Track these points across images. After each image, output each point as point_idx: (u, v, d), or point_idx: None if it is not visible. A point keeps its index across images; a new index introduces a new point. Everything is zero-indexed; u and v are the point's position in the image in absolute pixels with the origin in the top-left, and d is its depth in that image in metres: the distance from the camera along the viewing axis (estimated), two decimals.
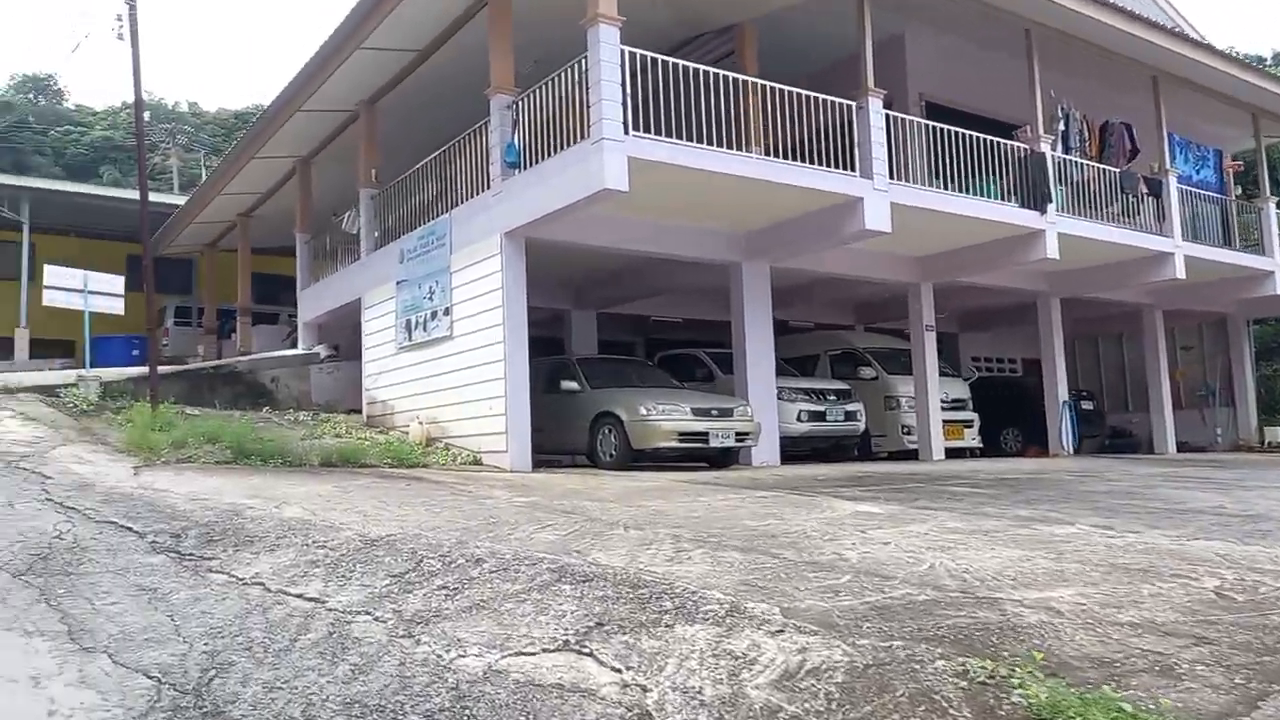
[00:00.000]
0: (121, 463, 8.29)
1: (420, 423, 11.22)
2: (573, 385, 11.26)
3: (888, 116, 10.65)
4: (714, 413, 10.52)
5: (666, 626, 3.68)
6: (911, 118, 11.48)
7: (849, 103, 10.45)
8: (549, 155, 9.34)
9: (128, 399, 11.66)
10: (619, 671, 3.30)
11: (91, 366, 12.88)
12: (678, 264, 12.83)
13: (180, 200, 21.23)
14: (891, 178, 10.60)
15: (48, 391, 11.46)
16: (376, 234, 13.27)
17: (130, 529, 5.54)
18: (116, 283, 12.39)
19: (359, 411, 14.33)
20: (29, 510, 5.87)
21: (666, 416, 10.20)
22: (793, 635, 3.47)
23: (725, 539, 5.30)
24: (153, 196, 23.85)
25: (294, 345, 18.75)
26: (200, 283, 23.64)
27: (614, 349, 16.47)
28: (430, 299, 11.30)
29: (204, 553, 5.08)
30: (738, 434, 10.59)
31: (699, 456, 11.10)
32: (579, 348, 15.07)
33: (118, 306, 12.40)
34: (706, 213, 11.02)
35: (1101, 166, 13.50)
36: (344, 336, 15.51)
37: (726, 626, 3.63)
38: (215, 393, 13.57)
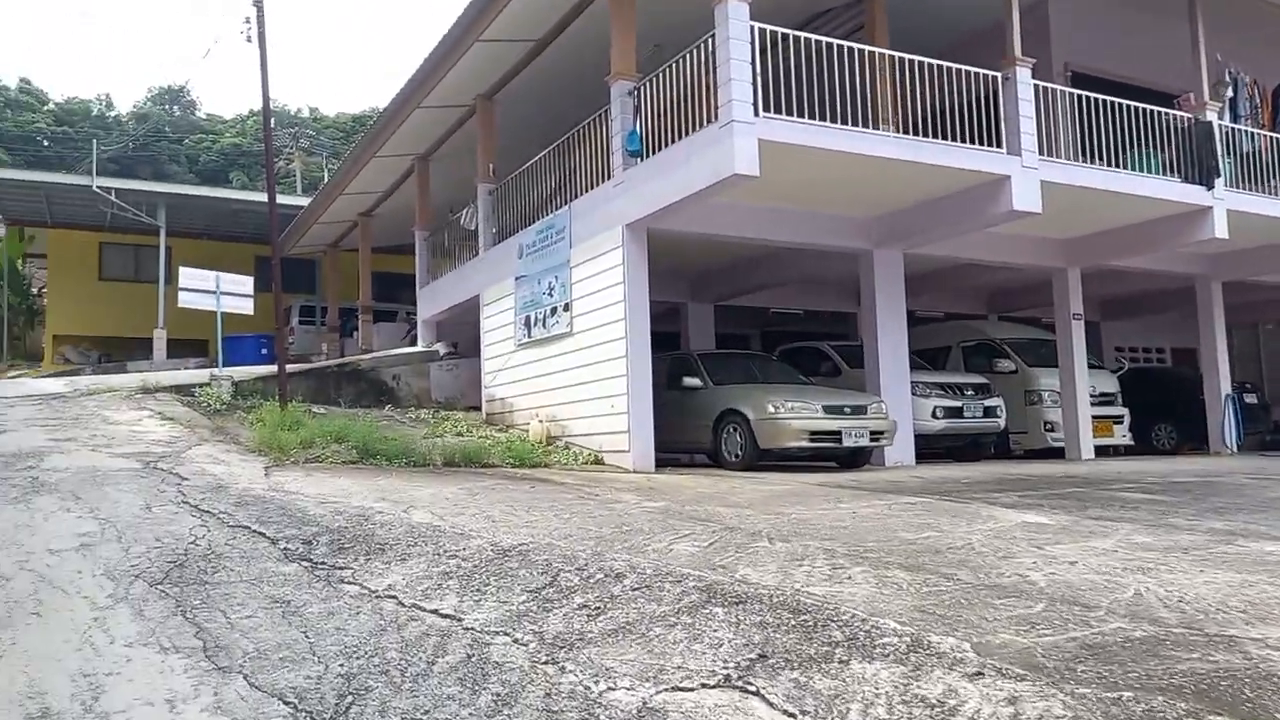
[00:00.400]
0: (253, 463, 8.35)
1: (540, 421, 11.05)
2: (695, 382, 10.86)
3: (1036, 87, 9.81)
4: (847, 410, 9.94)
5: (840, 662, 3.25)
6: (1059, 87, 10.59)
7: (992, 74, 9.68)
8: (673, 142, 8.96)
9: (258, 397, 11.91)
10: (793, 717, 2.89)
11: (224, 365, 13.26)
12: (802, 253, 12.29)
13: (304, 201, 21.84)
14: (1039, 154, 9.77)
15: (183, 391, 11.79)
16: (494, 230, 13.19)
17: (263, 534, 5.44)
18: (246, 283, 12.68)
19: (478, 409, 14.33)
20: (165, 514, 5.86)
21: (796, 415, 9.69)
22: (995, 680, 2.98)
23: (884, 554, 4.81)
24: (279, 198, 24.74)
25: (413, 343, 19.02)
26: (323, 282, 24.33)
27: (730, 343, 16.03)
28: (549, 295, 11.10)
29: (336, 561, 4.91)
30: (872, 433, 9.98)
31: (828, 456, 10.54)
32: (696, 342, 14.69)
33: (247, 306, 12.69)
34: (836, 197, 10.44)
35: (1274, 135, 12.22)
36: (462, 334, 15.56)
37: (912, 665, 3.16)
38: (340, 390, 13.78)
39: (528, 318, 11.68)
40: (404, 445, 9.47)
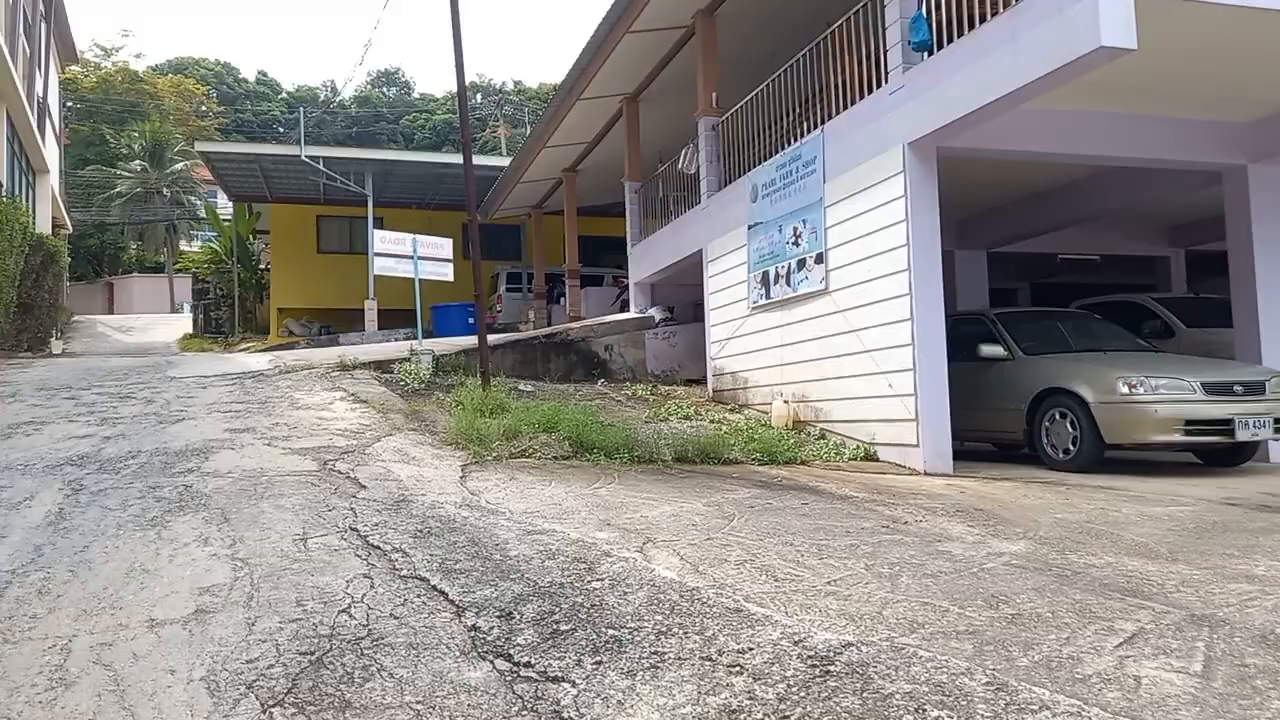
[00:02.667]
0: (448, 460, 6.79)
1: (784, 401, 8.93)
2: (996, 351, 8.30)
3: None
4: (1238, 389, 7.08)
5: None
6: None
7: None
8: (979, 23, 6.46)
9: (459, 374, 10.58)
10: None
11: (428, 336, 12.09)
12: (1113, 180, 9.45)
13: (506, 163, 20.69)
14: None
15: (382, 367, 10.62)
16: (719, 172, 11.09)
17: (445, 595, 3.68)
18: (444, 245, 11.33)
19: (699, 382, 12.48)
20: (322, 552, 4.24)
21: (1162, 397, 6.95)
22: None
23: None
24: (480, 159, 23.84)
25: (624, 308, 17.40)
26: (528, 247, 23.29)
27: (998, 299, 13.16)
28: (795, 244, 8.90)
29: (548, 665, 3.03)
30: (1276, 420, 7.07)
31: (1187, 449, 7.72)
32: (966, 299, 12.00)
33: (447, 272, 11.36)
34: (1203, 92, 7.54)
35: None
36: (679, 296, 13.69)
37: None
38: (548, 363, 12.28)
39: (765, 274, 9.53)
40: (625, 435, 7.66)
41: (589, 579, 3.87)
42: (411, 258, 10.94)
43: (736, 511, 5.33)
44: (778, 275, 9.23)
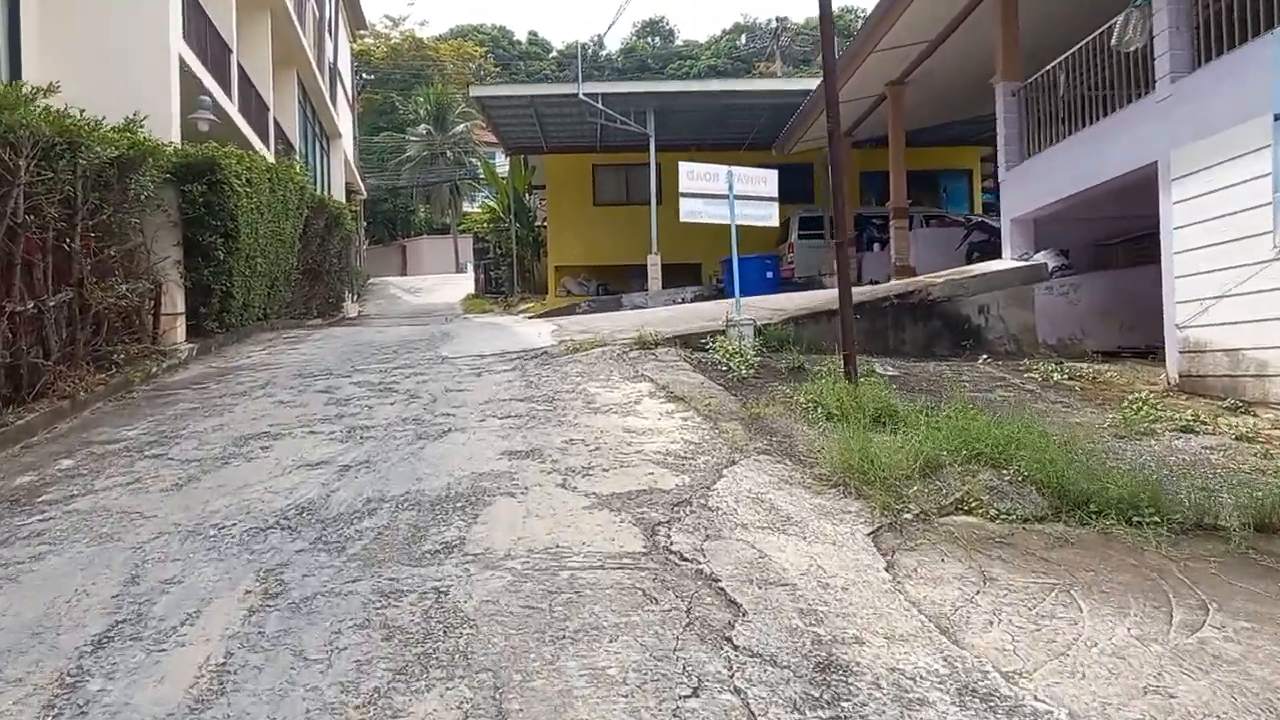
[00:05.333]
0: (843, 523, 4.06)
1: None
2: None
3: None
4: None
5: None
6: None
7: None
8: None
9: (792, 350, 7.79)
10: None
11: (720, 296, 9.45)
12: None
13: (808, 85, 17.46)
14: None
15: (689, 343, 8.05)
16: (1193, 42, 7.30)
17: None
18: (767, 179, 8.55)
19: (1116, 355, 8.96)
20: None
21: None
22: None
23: None
24: (779, 85, 20.80)
25: (969, 254, 13.82)
26: (828, 186, 20.00)
27: None
28: None
29: None
30: None
31: None
32: None
33: (770, 215, 8.62)
34: None
35: None
36: (1071, 236, 10.06)
37: None
38: (901, 331, 9.23)
39: None
40: (1136, 477, 4.48)
41: None
42: (726, 197, 8.24)
43: None
44: None
